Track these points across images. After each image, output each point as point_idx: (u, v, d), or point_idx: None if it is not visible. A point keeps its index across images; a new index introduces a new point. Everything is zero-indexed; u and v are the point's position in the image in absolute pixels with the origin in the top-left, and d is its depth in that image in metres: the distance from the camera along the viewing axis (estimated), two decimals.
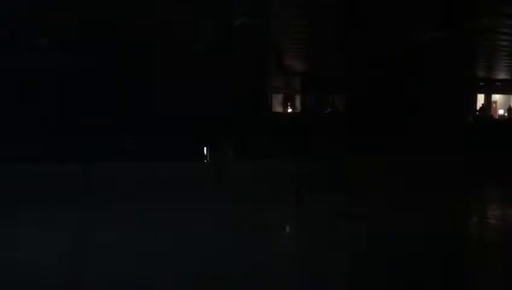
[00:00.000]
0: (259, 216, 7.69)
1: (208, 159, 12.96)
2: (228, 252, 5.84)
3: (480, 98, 24.71)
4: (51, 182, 9.89)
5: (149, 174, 11.24)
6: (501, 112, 25.31)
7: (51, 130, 12.17)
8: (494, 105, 25.89)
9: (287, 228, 7.71)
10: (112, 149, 11.73)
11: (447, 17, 10.17)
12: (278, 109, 21.40)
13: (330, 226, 7.23)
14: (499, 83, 23.96)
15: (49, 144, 11.67)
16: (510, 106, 24.58)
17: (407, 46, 13.72)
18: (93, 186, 9.69)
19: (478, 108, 23.63)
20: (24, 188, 9.49)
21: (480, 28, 12.00)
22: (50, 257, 5.59)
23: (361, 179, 11.54)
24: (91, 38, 12.40)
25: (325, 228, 7.13)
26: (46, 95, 12.97)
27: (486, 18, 10.39)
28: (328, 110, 20.20)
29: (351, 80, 19.02)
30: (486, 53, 16.21)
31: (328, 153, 13.84)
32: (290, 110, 21.63)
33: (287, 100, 22.12)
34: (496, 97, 25.82)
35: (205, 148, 13.00)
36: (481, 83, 23.54)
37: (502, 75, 21.95)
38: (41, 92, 12.98)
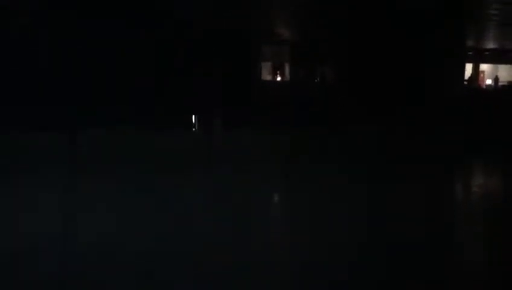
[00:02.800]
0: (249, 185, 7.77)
1: (196, 128, 12.95)
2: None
3: (468, 68, 24.76)
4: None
5: (136, 142, 11.19)
6: (489, 81, 25.44)
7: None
8: (482, 75, 25.98)
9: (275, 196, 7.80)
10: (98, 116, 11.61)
11: None
12: (267, 78, 21.27)
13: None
14: (487, 53, 23.98)
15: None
16: (497, 76, 24.70)
17: (396, 15, 13.60)
18: (79, 155, 9.58)
19: (466, 78, 23.71)
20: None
21: None
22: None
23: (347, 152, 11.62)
24: None
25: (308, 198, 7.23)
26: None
27: None
28: (318, 80, 20.15)
29: (341, 49, 18.92)
30: (475, 22, 16.15)
31: (317, 124, 13.92)
32: (278, 79, 21.51)
33: (277, 69, 21.96)
34: (483, 67, 25.89)
35: (193, 117, 12.97)
36: (469, 53, 23.53)
37: (490, 45, 21.94)
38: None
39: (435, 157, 10.69)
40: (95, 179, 7.77)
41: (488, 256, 4.91)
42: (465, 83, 23.17)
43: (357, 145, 12.17)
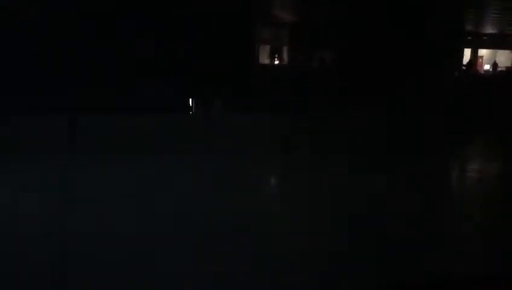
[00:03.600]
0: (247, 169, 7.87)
1: (194, 111, 12.98)
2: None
3: (467, 53, 24.71)
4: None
5: (132, 126, 11.25)
6: (487, 67, 25.40)
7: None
8: (480, 60, 25.94)
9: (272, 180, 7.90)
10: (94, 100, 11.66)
11: None
12: (265, 61, 21.20)
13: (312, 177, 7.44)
14: (486, 38, 23.90)
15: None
16: (495, 61, 24.66)
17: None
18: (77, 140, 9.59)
19: (465, 63, 23.68)
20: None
21: None
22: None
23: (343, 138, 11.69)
24: None
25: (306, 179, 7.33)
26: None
27: None
28: (316, 64, 20.11)
29: (340, 33, 18.85)
30: (474, 6, 16.08)
31: (315, 108, 13.96)
32: (276, 62, 21.46)
33: (275, 53, 21.88)
34: (482, 52, 25.82)
35: (191, 100, 13.00)
36: (468, 37, 23.46)
37: (489, 30, 21.86)
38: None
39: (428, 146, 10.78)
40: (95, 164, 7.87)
41: None
42: (463, 68, 23.17)
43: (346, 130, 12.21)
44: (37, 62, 12.49)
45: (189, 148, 9.24)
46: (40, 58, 12.60)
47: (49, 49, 12.51)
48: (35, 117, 10.41)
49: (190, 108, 12.96)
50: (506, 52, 25.35)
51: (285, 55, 21.88)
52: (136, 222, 5.16)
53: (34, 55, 12.47)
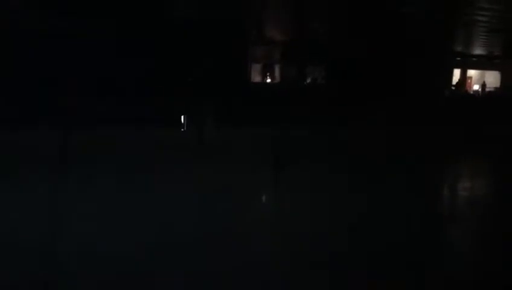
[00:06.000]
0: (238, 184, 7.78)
1: (185, 127, 12.94)
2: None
3: (456, 73, 25.12)
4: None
5: (125, 141, 11.19)
6: (476, 87, 25.78)
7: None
8: (469, 80, 26.33)
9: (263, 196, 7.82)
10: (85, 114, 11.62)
11: None
12: (257, 79, 21.33)
13: (306, 194, 7.37)
14: (475, 59, 24.32)
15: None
16: (484, 82, 25.06)
17: (386, 19, 13.75)
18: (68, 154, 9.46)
19: (454, 83, 24.03)
20: None
21: (459, 3, 12.09)
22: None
23: (336, 151, 11.72)
24: None
25: (300, 196, 7.26)
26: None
27: None
28: (308, 81, 20.29)
29: (331, 51, 19.08)
30: (463, 28, 16.39)
31: (306, 124, 14.02)
32: (269, 80, 21.59)
33: (266, 70, 22.03)
34: (471, 73, 26.25)
35: (183, 116, 12.96)
36: (457, 58, 23.84)
37: (477, 51, 22.24)
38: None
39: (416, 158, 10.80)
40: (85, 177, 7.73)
41: None
42: (453, 88, 23.52)
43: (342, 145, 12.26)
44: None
45: (179, 164, 9.17)
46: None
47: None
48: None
49: (182, 124, 12.92)
50: (494, 73, 25.80)
51: (276, 73, 22.03)
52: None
53: None
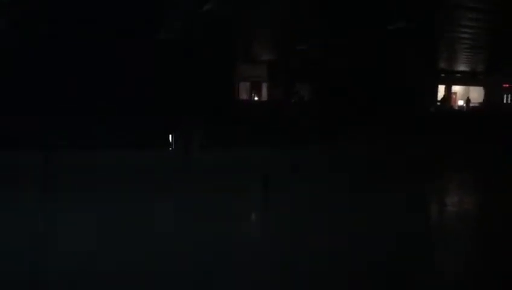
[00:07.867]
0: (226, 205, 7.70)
1: (173, 147, 12.83)
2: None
3: (441, 89, 25.49)
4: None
5: (113, 162, 11.08)
6: (460, 102, 26.16)
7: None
8: (454, 96, 26.73)
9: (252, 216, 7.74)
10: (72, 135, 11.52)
11: (408, 9, 10.34)
12: (244, 96, 21.42)
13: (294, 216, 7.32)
14: (459, 75, 24.71)
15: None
16: (468, 98, 25.44)
17: (371, 38, 13.91)
18: (52, 176, 9.28)
19: (439, 99, 24.37)
20: None
21: (442, 21, 12.28)
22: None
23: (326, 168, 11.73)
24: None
25: (288, 218, 7.20)
26: None
27: (448, 10, 10.60)
28: (295, 98, 20.40)
29: (317, 69, 19.26)
30: (447, 45, 16.65)
31: (294, 141, 14.05)
32: (256, 98, 21.69)
33: (254, 88, 22.15)
34: (456, 88, 26.66)
35: (171, 136, 12.87)
36: (442, 74, 24.21)
37: (462, 67, 22.59)
38: None
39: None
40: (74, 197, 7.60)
41: None
42: (438, 103, 23.83)
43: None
44: None
45: (166, 185, 9.05)
46: None
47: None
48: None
49: (170, 143, 12.81)
50: (478, 88, 26.23)
51: (264, 91, 22.14)
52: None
53: None
